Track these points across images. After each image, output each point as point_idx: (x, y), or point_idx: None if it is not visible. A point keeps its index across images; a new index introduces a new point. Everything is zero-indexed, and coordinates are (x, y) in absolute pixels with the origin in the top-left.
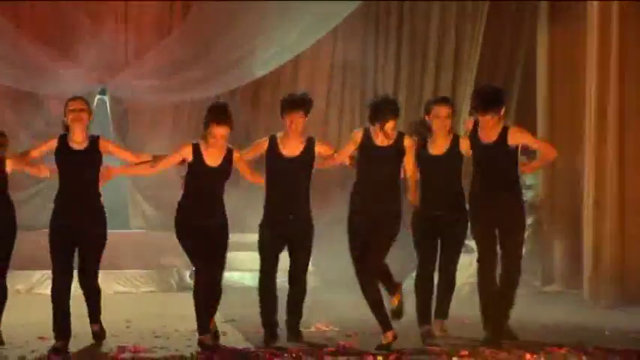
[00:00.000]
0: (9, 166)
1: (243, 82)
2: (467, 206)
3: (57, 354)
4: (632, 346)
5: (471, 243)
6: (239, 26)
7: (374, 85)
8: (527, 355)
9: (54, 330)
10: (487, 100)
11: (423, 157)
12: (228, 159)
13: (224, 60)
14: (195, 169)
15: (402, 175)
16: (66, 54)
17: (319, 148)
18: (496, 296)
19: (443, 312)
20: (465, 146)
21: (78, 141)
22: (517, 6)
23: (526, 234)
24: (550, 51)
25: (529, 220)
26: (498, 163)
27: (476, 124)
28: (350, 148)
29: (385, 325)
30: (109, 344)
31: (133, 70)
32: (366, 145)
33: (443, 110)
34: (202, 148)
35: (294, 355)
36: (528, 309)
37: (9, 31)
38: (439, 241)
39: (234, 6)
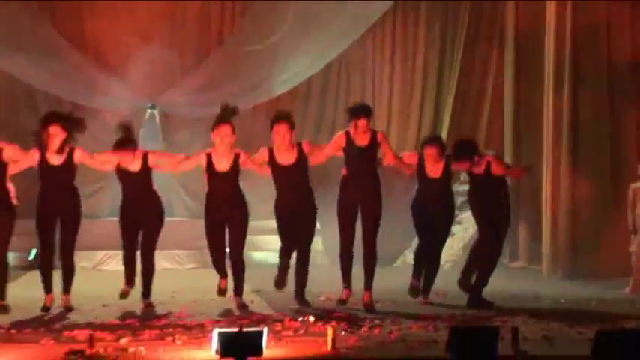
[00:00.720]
0: (77, 159)
1: (266, 98)
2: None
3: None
4: (580, 310)
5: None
6: (263, 53)
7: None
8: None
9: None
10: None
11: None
12: (235, 163)
13: (251, 79)
14: (208, 173)
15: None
16: (121, 73)
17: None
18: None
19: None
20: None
21: None
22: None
23: None
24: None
25: None
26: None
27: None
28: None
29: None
30: (158, 311)
31: (178, 88)
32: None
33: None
34: (213, 155)
35: (306, 318)
36: (498, 281)
37: (72, 53)
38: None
39: (257, 37)
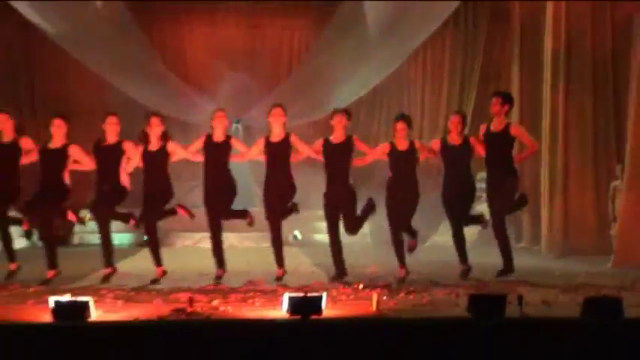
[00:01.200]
0: (171, 147)
1: (325, 114)
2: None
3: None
4: (571, 282)
5: None
6: (324, 78)
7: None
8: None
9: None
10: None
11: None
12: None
13: (314, 99)
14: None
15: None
16: (212, 94)
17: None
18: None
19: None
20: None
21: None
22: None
23: None
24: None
25: None
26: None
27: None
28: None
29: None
30: (240, 280)
31: (258, 107)
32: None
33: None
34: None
35: (356, 286)
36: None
37: (175, 80)
38: None
39: (320, 65)
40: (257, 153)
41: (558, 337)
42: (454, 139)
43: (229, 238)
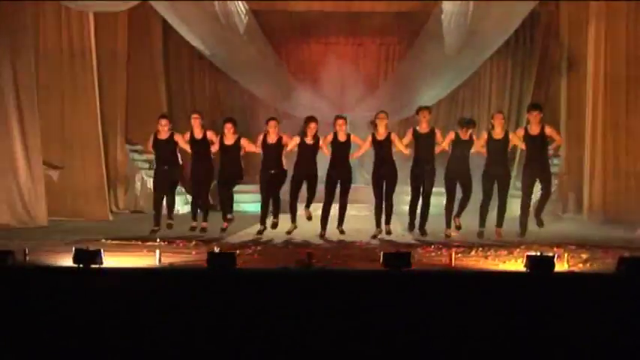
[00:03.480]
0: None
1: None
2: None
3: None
4: (610, 244)
5: None
6: (414, 83)
7: None
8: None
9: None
10: None
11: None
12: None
13: (404, 100)
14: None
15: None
16: (323, 92)
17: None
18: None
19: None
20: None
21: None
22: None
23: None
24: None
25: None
26: None
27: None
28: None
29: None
30: (347, 239)
31: (362, 104)
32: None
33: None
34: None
35: (433, 246)
36: (555, 227)
37: (292, 79)
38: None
39: (410, 71)
40: (368, 146)
41: (596, 291)
42: (497, 133)
43: (335, 208)
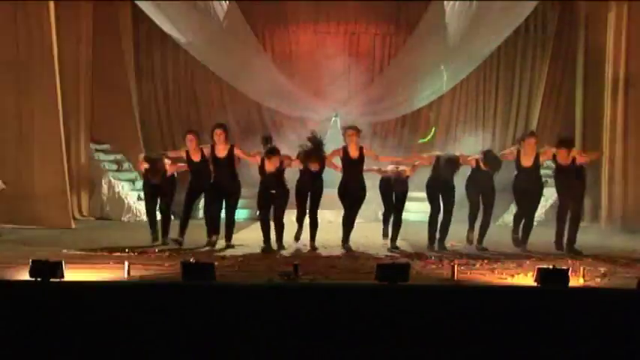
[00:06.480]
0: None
1: (411, 110)
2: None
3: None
4: (632, 256)
5: None
6: (410, 79)
7: None
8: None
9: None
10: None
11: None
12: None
13: (401, 97)
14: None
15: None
16: (315, 91)
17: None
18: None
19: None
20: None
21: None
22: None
23: None
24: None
25: None
26: None
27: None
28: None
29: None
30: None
31: (353, 103)
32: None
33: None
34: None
35: (434, 257)
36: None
37: (283, 78)
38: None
39: (407, 67)
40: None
41: (616, 309)
42: (527, 161)
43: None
